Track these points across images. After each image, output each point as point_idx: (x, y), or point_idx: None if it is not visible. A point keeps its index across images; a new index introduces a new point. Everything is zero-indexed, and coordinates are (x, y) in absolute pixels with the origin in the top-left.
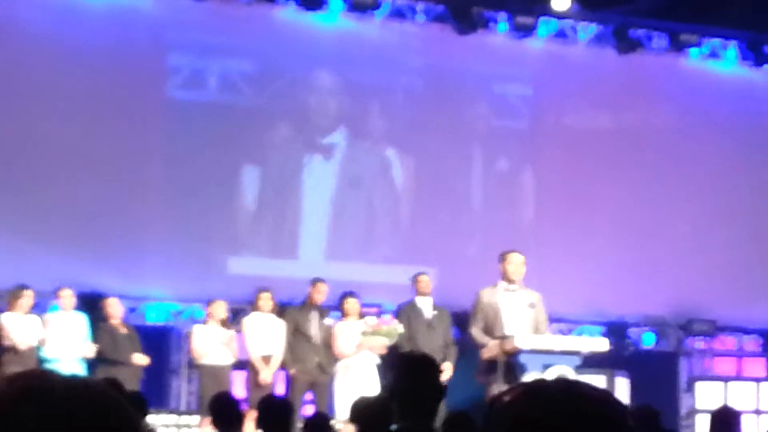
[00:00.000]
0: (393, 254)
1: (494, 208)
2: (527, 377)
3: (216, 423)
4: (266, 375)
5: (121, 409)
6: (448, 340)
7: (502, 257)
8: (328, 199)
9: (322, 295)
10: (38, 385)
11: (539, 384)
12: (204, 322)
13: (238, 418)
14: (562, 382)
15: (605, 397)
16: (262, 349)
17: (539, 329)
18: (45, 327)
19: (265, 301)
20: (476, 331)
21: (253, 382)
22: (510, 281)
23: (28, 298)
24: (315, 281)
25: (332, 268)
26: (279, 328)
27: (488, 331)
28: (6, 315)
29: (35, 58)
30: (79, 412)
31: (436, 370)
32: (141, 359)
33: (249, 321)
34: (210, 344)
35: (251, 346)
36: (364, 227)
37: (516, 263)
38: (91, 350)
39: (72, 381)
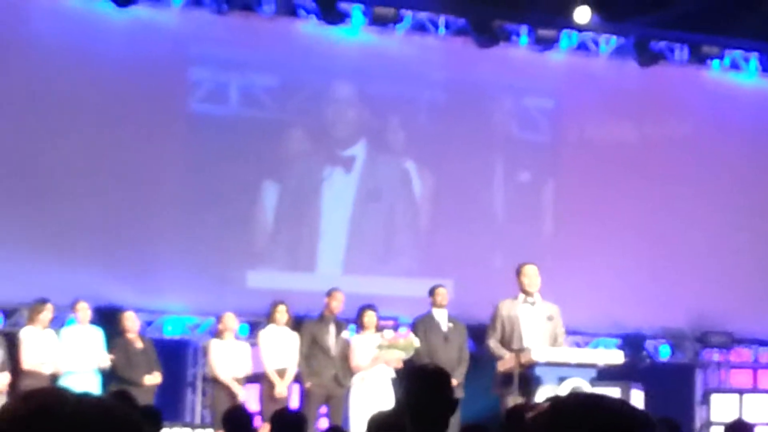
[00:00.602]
0: (411, 267)
1: (514, 220)
2: (543, 390)
3: None
4: (281, 389)
5: (132, 427)
6: (463, 354)
7: (518, 270)
8: (347, 212)
9: (339, 303)
10: (50, 403)
11: (566, 399)
12: (219, 335)
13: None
14: (585, 396)
15: (632, 410)
16: (276, 363)
17: (557, 342)
18: (62, 342)
19: (281, 313)
20: (494, 343)
21: (267, 395)
22: (527, 293)
23: (47, 312)
24: (331, 291)
25: (350, 281)
26: (293, 341)
27: (506, 343)
28: (26, 330)
29: (57, 71)
30: (90, 430)
31: (449, 383)
32: (153, 379)
33: (264, 334)
34: (226, 359)
35: (266, 359)
36: (383, 240)
37: (530, 275)
38: (105, 361)
39: (83, 399)
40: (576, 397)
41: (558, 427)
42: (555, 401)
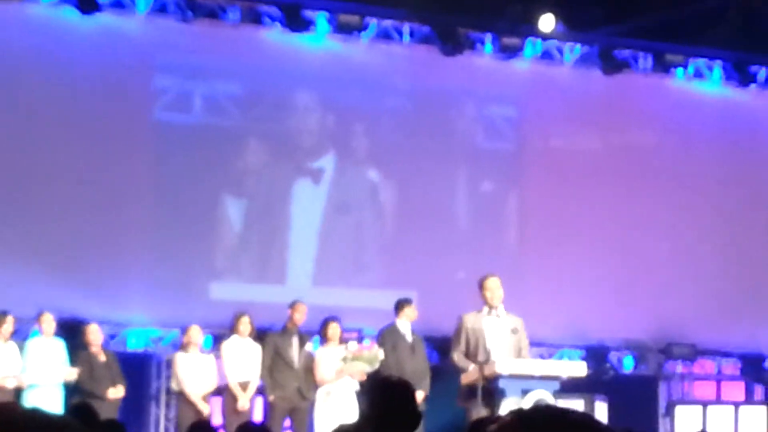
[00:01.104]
0: (377, 279)
1: (478, 231)
2: (507, 402)
3: None
4: (244, 402)
5: None
6: (426, 366)
7: (480, 283)
8: (314, 224)
9: (302, 315)
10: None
11: (527, 412)
12: (184, 348)
13: None
14: (548, 409)
15: (590, 422)
16: (239, 375)
17: (521, 354)
18: (26, 355)
19: (245, 325)
20: (458, 356)
21: (230, 408)
22: (491, 306)
23: (8, 325)
24: (294, 303)
25: (319, 293)
26: (256, 353)
27: (470, 355)
28: None
29: (20, 78)
30: None
31: (412, 395)
32: (116, 393)
33: (227, 345)
34: (192, 372)
35: (229, 371)
36: (351, 252)
37: (493, 288)
38: (71, 375)
39: (35, 415)
40: (539, 410)
41: None
42: (518, 413)
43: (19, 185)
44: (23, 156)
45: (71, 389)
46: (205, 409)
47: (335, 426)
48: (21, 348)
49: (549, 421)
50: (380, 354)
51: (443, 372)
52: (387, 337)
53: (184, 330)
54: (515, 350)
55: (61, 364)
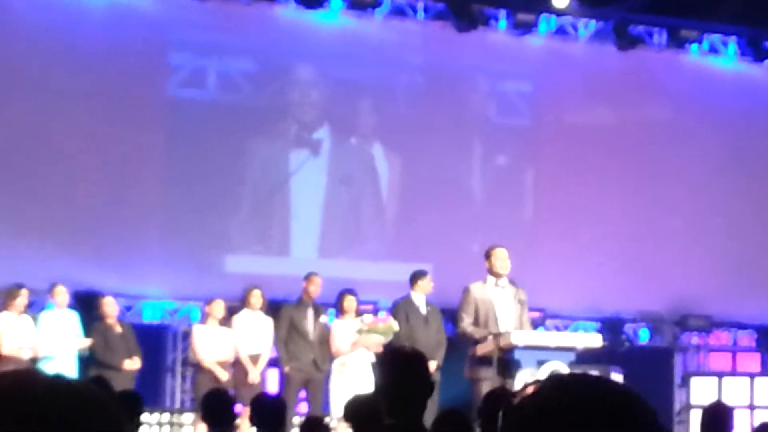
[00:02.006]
0: (389, 251)
1: (493, 205)
2: (522, 373)
3: (207, 420)
4: (254, 375)
5: (104, 410)
6: (441, 337)
7: (488, 253)
8: (319, 197)
9: (316, 287)
10: (22, 385)
11: (564, 377)
12: (203, 321)
13: (230, 416)
14: (584, 376)
15: (629, 390)
16: (250, 348)
17: (523, 326)
18: (39, 327)
19: (256, 298)
20: (469, 326)
21: (241, 380)
22: (497, 276)
23: (23, 298)
24: (309, 275)
25: (326, 265)
26: (268, 327)
27: (480, 326)
28: (2, 315)
29: (34, 55)
30: (62, 413)
31: (425, 366)
32: (132, 364)
33: (239, 319)
34: (210, 343)
35: (240, 344)
36: (358, 224)
37: (502, 258)
38: (84, 344)
39: (56, 381)
40: (575, 377)
41: (557, 408)
42: (548, 382)
43: (34, 160)
44: (39, 131)
45: (87, 360)
46: (222, 375)
47: (350, 397)
48: (36, 320)
49: (571, 387)
50: (395, 326)
51: (458, 343)
52: (401, 309)
53: (204, 302)
54: (519, 322)
55: (74, 336)
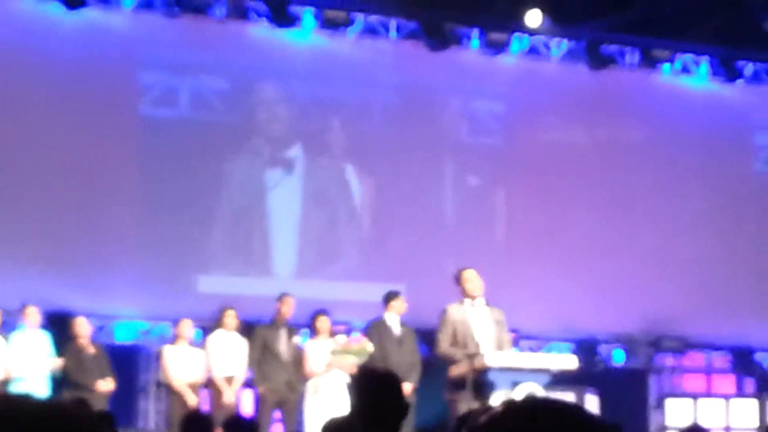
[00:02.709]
0: (362, 271)
1: (465, 225)
2: (496, 395)
3: None
4: (229, 396)
5: (90, 427)
6: (415, 358)
7: (458, 276)
8: (293, 217)
9: (289, 308)
10: (9, 408)
11: (518, 402)
12: (173, 341)
13: None
14: (539, 400)
15: (587, 414)
16: (224, 369)
17: (504, 346)
18: (10, 347)
19: (230, 318)
20: (446, 347)
21: (215, 401)
22: (472, 297)
23: None
24: (282, 296)
25: (302, 285)
26: (242, 347)
27: (458, 347)
28: None
29: (5, 73)
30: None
31: (399, 387)
32: (106, 385)
33: (213, 339)
34: (180, 364)
35: (214, 364)
36: (335, 244)
37: (472, 278)
38: (56, 364)
39: (43, 403)
40: (530, 401)
41: (512, 430)
42: (509, 404)
43: (5, 179)
44: (10, 149)
45: (59, 381)
46: (192, 399)
47: (325, 418)
48: (7, 341)
49: (539, 411)
50: (369, 347)
51: (432, 365)
52: (374, 330)
53: (173, 323)
54: (498, 342)
55: (46, 356)
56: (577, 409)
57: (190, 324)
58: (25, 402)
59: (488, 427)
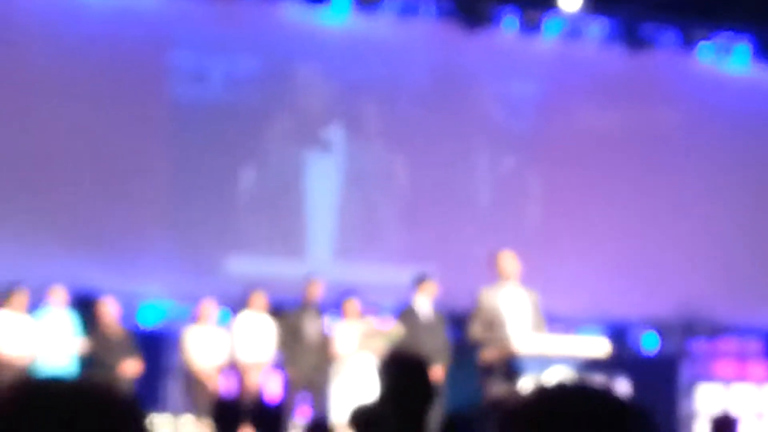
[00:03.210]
0: (396, 254)
1: (499, 208)
2: (526, 378)
3: (216, 424)
4: (254, 378)
5: (128, 409)
6: (444, 343)
7: (495, 258)
8: (330, 198)
9: (318, 291)
10: (43, 390)
11: (556, 385)
12: (195, 322)
13: (237, 420)
14: (577, 383)
15: (610, 396)
16: (251, 351)
17: (539, 328)
18: (37, 327)
19: (258, 300)
20: (477, 331)
21: (241, 383)
22: (507, 279)
23: (23, 297)
24: (311, 279)
25: (335, 267)
26: (270, 329)
27: (489, 330)
28: (1, 314)
29: (35, 53)
30: (91, 413)
31: (425, 372)
32: (132, 367)
33: (240, 321)
34: (202, 346)
35: (241, 346)
36: (368, 226)
37: (509, 261)
38: (81, 347)
39: (79, 384)
40: (561, 385)
41: (544, 414)
42: (539, 389)
43: (34, 160)
44: (39, 130)
45: (85, 362)
46: (213, 383)
47: (352, 400)
48: (34, 320)
49: (570, 395)
50: (398, 330)
51: (464, 349)
52: (405, 313)
53: (198, 304)
54: (534, 324)
55: (73, 337)
56: (607, 393)
57: (213, 304)
58: (60, 385)
59: (519, 410)
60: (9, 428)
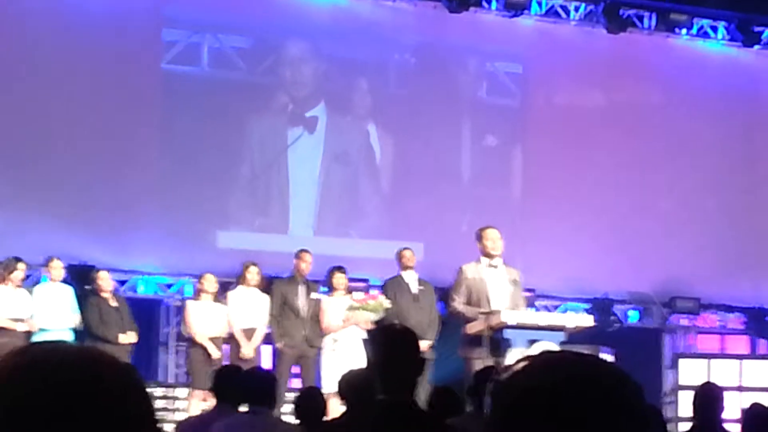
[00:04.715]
0: (381, 229)
1: (482, 184)
2: (512, 352)
3: (216, 394)
4: (248, 350)
5: (128, 373)
6: (433, 316)
7: (480, 234)
8: (314, 174)
9: (307, 265)
10: (45, 353)
11: (552, 355)
12: (196, 296)
13: (240, 393)
14: (572, 354)
15: (616, 368)
16: (244, 323)
17: (518, 306)
18: (34, 300)
19: (252, 274)
20: (461, 305)
21: (234, 355)
22: (490, 257)
23: (20, 271)
24: (300, 252)
25: (320, 242)
26: (263, 303)
27: (472, 306)
28: None
29: (28, 31)
30: (95, 376)
31: (415, 343)
32: (127, 338)
33: (234, 295)
34: (203, 319)
35: (235, 319)
36: (353, 202)
37: (493, 238)
38: (79, 319)
39: (79, 348)
40: (554, 354)
41: (541, 382)
42: (533, 358)
43: (30, 136)
44: (34, 107)
45: (82, 334)
46: (214, 352)
47: (343, 372)
48: (30, 294)
49: (561, 364)
50: (386, 303)
51: (449, 322)
52: (390, 287)
53: (194, 278)
54: (512, 302)
55: (69, 310)
56: (601, 360)
57: (213, 279)
58: (61, 347)
59: (515, 380)
60: (11, 391)
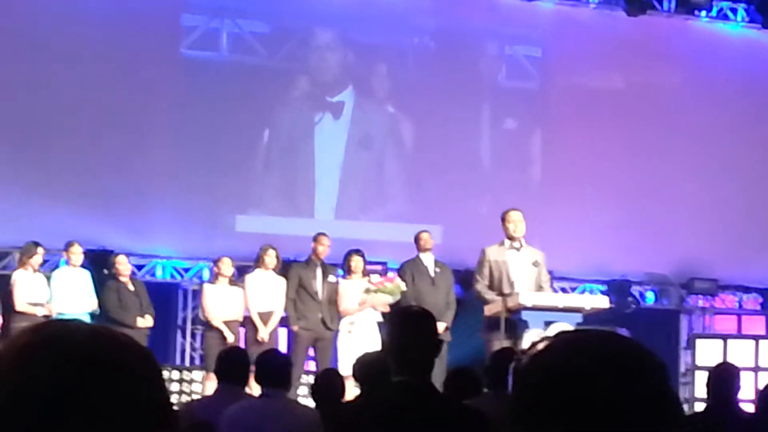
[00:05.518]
0: (401, 213)
1: (501, 167)
2: (529, 334)
3: (221, 376)
4: (264, 333)
5: (142, 353)
6: (450, 298)
7: (503, 216)
8: (337, 159)
9: (324, 248)
10: (62, 330)
11: (573, 334)
12: (212, 280)
13: (245, 374)
14: (593, 332)
15: (638, 344)
16: (261, 307)
17: (543, 288)
18: (53, 284)
19: (270, 258)
20: (482, 287)
21: (251, 338)
22: (513, 239)
23: (39, 256)
24: (317, 235)
25: (340, 226)
26: (280, 286)
27: (494, 288)
28: (18, 272)
29: (47, 16)
30: (104, 354)
31: (433, 325)
32: (145, 322)
33: (251, 278)
34: (219, 302)
35: (251, 303)
36: (373, 186)
37: (515, 220)
38: (97, 303)
39: (95, 327)
40: (580, 333)
41: (568, 364)
42: (556, 338)
43: (48, 121)
44: (52, 93)
45: (100, 318)
46: (230, 336)
47: (358, 355)
48: (49, 278)
49: (596, 342)
50: (402, 286)
51: (468, 304)
52: (407, 269)
53: (212, 262)
54: (536, 283)
55: (87, 294)
56: (624, 337)
57: (230, 262)
58: (74, 326)
59: (535, 362)
60: (24, 369)
